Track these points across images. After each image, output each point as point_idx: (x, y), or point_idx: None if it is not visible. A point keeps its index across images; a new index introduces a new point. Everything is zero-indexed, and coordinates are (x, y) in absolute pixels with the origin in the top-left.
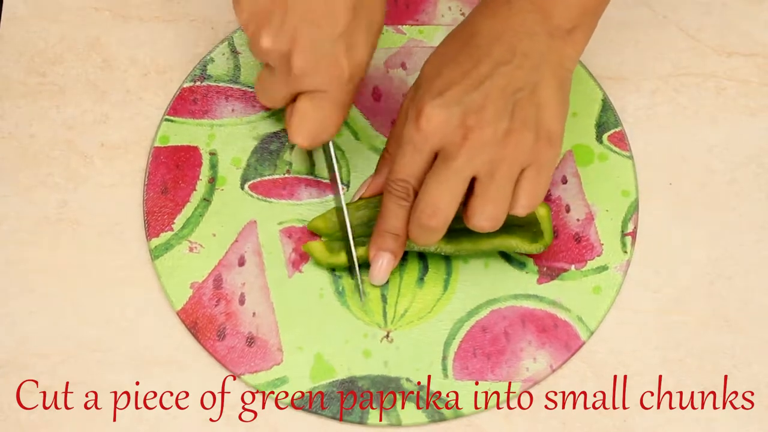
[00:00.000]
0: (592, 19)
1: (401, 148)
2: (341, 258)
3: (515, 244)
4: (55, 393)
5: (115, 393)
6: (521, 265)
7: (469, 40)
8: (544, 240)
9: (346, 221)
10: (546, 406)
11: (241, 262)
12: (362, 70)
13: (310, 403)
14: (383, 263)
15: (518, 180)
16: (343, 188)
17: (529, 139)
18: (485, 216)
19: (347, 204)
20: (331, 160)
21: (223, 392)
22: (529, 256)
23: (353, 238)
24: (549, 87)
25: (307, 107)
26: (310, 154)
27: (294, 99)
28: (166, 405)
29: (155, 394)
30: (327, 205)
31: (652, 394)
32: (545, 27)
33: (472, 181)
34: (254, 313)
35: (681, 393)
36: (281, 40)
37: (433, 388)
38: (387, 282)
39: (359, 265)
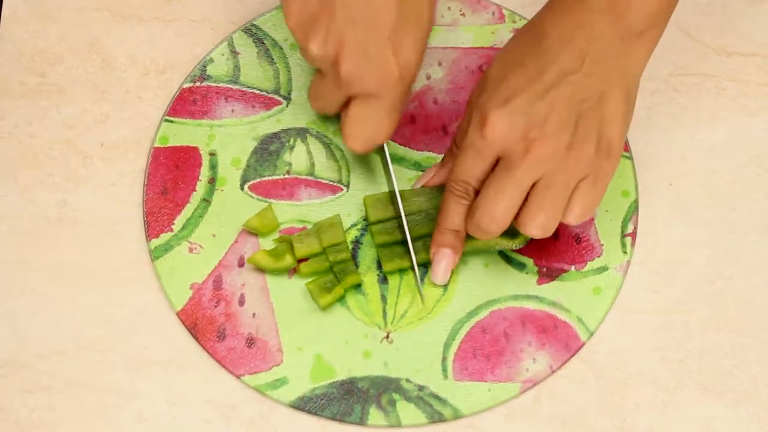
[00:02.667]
0: (663, 21)
1: (464, 151)
2: (287, 261)
3: (494, 241)
4: (56, 393)
5: (115, 393)
6: (521, 266)
7: (537, 42)
8: (523, 235)
9: (405, 226)
10: (546, 407)
11: (241, 263)
12: (412, 70)
13: (309, 404)
14: (445, 260)
15: (574, 190)
16: (342, 188)
17: (590, 152)
18: (537, 224)
19: (404, 191)
20: (387, 164)
21: (222, 393)
22: (528, 255)
23: (407, 225)
24: (615, 98)
25: (360, 111)
26: (310, 154)
27: (347, 104)
28: (165, 405)
29: (155, 394)
30: (326, 206)
31: (652, 394)
32: (617, 29)
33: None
34: (254, 314)
35: (681, 393)
36: (329, 45)
37: (433, 389)
38: (387, 282)
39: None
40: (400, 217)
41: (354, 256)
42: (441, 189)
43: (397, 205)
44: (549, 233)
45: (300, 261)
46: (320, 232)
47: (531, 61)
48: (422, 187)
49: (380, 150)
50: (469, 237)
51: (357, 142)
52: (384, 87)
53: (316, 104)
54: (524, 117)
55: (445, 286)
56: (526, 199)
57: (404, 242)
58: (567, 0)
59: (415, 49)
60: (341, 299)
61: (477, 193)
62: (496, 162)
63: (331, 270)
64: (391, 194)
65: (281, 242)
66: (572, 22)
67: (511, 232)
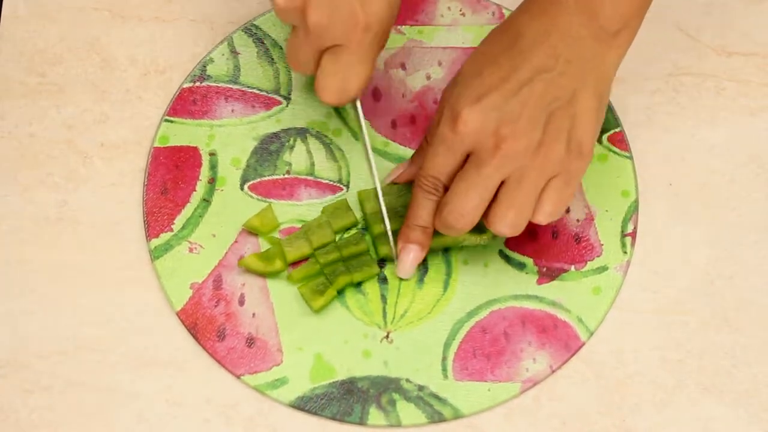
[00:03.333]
0: (637, 21)
1: (434, 146)
2: (277, 265)
3: (462, 237)
4: (56, 393)
5: (115, 393)
6: (521, 266)
7: (512, 42)
8: (490, 231)
9: (381, 201)
10: (546, 407)
11: None
12: (380, 20)
13: (309, 403)
14: (411, 256)
15: (544, 188)
16: (342, 188)
17: (560, 151)
18: (507, 222)
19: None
20: (359, 120)
21: (222, 393)
22: (528, 255)
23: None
24: (587, 98)
25: (330, 63)
26: (309, 153)
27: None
28: (165, 405)
29: (155, 394)
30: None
31: (652, 394)
32: (591, 29)
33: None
34: (254, 314)
35: (681, 393)
36: None
37: (433, 389)
38: (387, 282)
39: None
40: (396, 207)
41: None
42: (409, 186)
43: (371, 165)
44: (518, 231)
45: (295, 263)
46: (309, 233)
47: (505, 60)
48: (391, 183)
49: (353, 107)
50: (436, 233)
51: (329, 94)
52: (351, 36)
53: (293, 63)
54: (496, 113)
55: (445, 286)
56: (495, 199)
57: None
58: (542, 0)
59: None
60: (340, 299)
61: (446, 189)
62: (466, 159)
63: (322, 273)
64: (366, 158)
65: (272, 245)
66: (547, 22)
67: (479, 228)
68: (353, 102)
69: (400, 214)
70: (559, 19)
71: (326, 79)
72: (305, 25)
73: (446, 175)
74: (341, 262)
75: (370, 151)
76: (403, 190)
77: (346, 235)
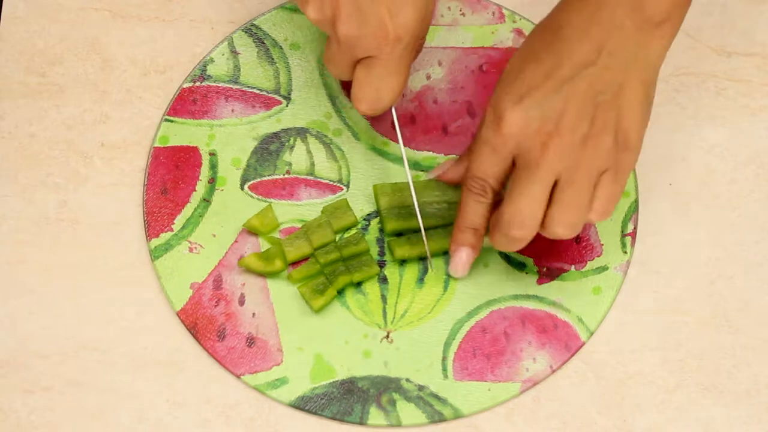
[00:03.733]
0: (682, 11)
1: (478, 148)
2: (277, 265)
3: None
4: (56, 393)
5: (115, 393)
6: (521, 266)
7: (553, 36)
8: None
9: (411, 188)
10: (546, 407)
11: None
12: (410, 30)
13: (310, 403)
14: (464, 257)
15: (596, 185)
16: (342, 188)
17: (608, 144)
18: (564, 223)
19: (416, 182)
20: (396, 128)
21: (222, 393)
22: (528, 255)
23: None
24: (632, 90)
25: (363, 74)
26: (310, 153)
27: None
28: (165, 405)
29: (155, 394)
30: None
31: (652, 395)
32: (635, 20)
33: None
34: (254, 314)
35: (681, 393)
36: (325, 8)
37: (433, 389)
38: (387, 282)
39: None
40: (413, 204)
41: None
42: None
43: (407, 173)
44: (575, 233)
45: (295, 263)
46: (309, 233)
47: (547, 56)
48: (435, 179)
49: (390, 114)
50: (410, 245)
51: (363, 104)
52: (382, 48)
53: (331, 70)
54: (539, 112)
55: (446, 286)
56: (549, 200)
57: (418, 230)
58: None
59: (414, 8)
60: (340, 299)
61: (494, 192)
62: (514, 162)
63: (322, 272)
64: (404, 180)
65: (272, 245)
66: (589, 14)
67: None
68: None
69: (442, 210)
70: (601, 10)
71: (361, 90)
72: (336, 36)
73: (493, 177)
74: (341, 261)
75: (405, 159)
76: (447, 186)
77: (346, 235)
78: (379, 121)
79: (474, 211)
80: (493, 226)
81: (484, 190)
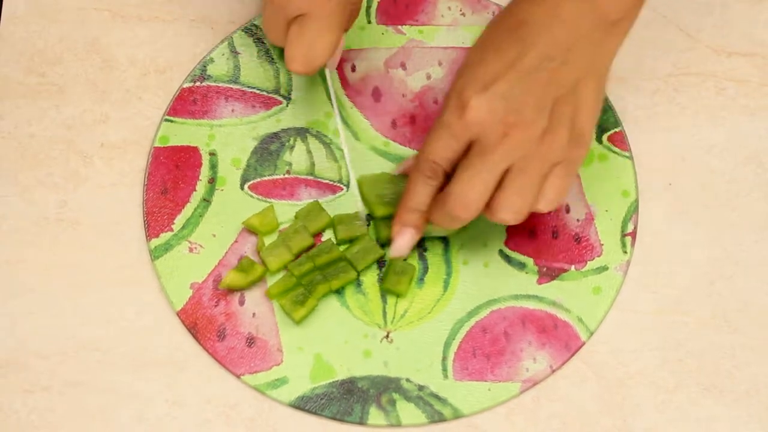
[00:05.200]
0: (636, 10)
1: (436, 131)
2: (257, 271)
3: (429, 228)
4: (56, 393)
5: (115, 393)
6: (521, 266)
7: (515, 28)
8: None
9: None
10: (546, 407)
11: None
12: None
13: (310, 403)
14: (407, 237)
15: (546, 176)
16: (342, 188)
17: (564, 138)
18: (511, 208)
19: (381, 174)
20: (328, 88)
21: (222, 393)
22: (528, 255)
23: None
24: (588, 86)
25: (294, 32)
26: (310, 153)
27: None
28: (165, 405)
29: (155, 394)
30: (327, 206)
31: (652, 395)
32: (592, 18)
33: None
34: (254, 314)
35: (681, 393)
36: None
37: (433, 389)
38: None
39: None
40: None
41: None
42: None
43: (336, 119)
44: (521, 219)
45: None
46: (287, 240)
47: (508, 46)
48: (399, 175)
49: (322, 75)
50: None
51: (296, 63)
52: (315, 5)
53: (269, 36)
54: (503, 101)
55: (446, 286)
56: (498, 187)
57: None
58: None
59: None
60: (340, 299)
61: (445, 176)
62: (467, 147)
63: (299, 284)
64: (337, 117)
65: (244, 259)
66: (549, 10)
67: None
68: (322, 71)
69: (395, 203)
70: (560, 7)
71: (292, 48)
72: None
73: (446, 161)
74: (317, 271)
75: (339, 119)
76: (404, 181)
77: (317, 247)
78: (379, 122)
79: (422, 192)
80: (436, 202)
81: (435, 173)
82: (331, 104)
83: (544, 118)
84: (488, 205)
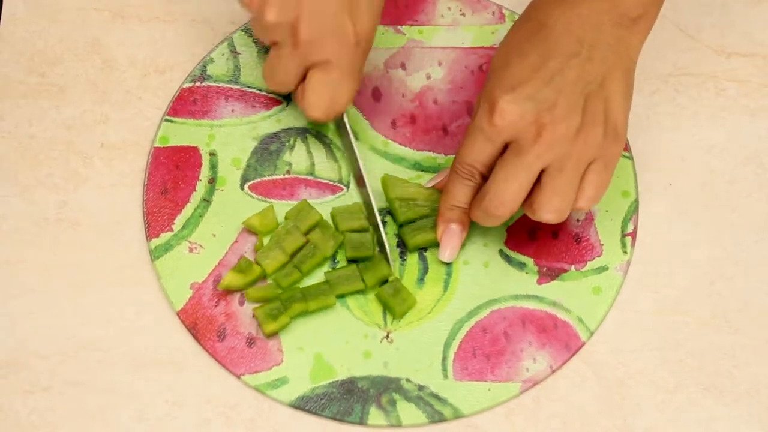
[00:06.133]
0: (656, 8)
1: (471, 134)
2: (255, 270)
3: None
4: (56, 393)
5: (115, 393)
6: (521, 266)
7: (536, 32)
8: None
9: (366, 184)
10: (546, 407)
11: None
12: (369, 35)
13: (310, 403)
14: (454, 237)
15: (584, 173)
16: (343, 188)
17: (599, 134)
18: (551, 208)
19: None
20: (347, 132)
21: (222, 393)
22: (528, 255)
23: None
24: (616, 79)
25: (318, 79)
26: (310, 153)
27: (304, 78)
28: (165, 405)
29: (155, 394)
30: (326, 206)
31: (652, 394)
32: (612, 16)
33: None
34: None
35: (681, 393)
36: (286, 12)
37: (433, 389)
38: (386, 282)
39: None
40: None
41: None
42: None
43: (360, 172)
44: (562, 218)
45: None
46: (280, 241)
47: (531, 50)
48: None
49: (340, 121)
50: (425, 231)
51: (318, 110)
52: (342, 53)
53: (272, 82)
54: (533, 102)
55: (446, 286)
56: (537, 186)
57: (424, 217)
58: None
59: (371, 14)
60: (340, 299)
61: (482, 177)
62: (504, 147)
63: (278, 298)
64: (353, 165)
65: (242, 259)
66: (568, 10)
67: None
68: (339, 118)
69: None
70: (580, 7)
71: (314, 95)
72: (294, 41)
73: (482, 163)
74: (299, 288)
75: (361, 164)
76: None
77: (299, 254)
78: (379, 122)
79: (461, 191)
80: (474, 200)
81: (472, 175)
82: (348, 142)
83: (577, 116)
84: (529, 205)
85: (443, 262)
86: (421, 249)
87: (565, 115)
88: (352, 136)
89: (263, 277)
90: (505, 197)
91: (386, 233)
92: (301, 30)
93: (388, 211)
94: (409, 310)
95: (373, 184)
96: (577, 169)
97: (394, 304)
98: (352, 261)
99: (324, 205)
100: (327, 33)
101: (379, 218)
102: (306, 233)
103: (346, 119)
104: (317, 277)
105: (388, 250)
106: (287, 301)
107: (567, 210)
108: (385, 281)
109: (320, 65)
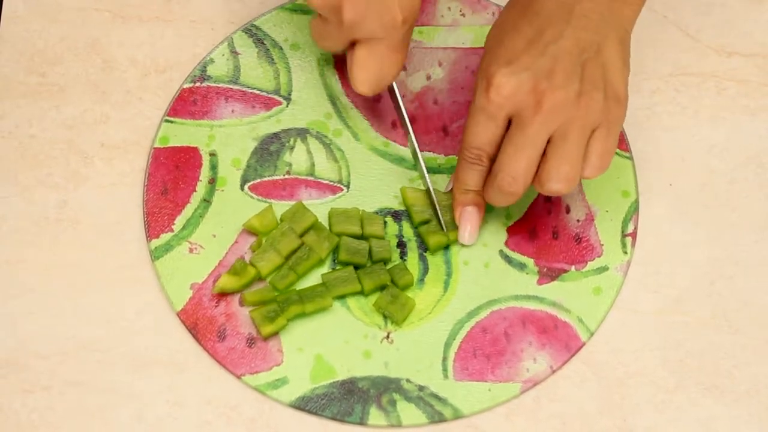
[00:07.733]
0: None
1: (473, 117)
2: (250, 272)
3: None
4: (56, 393)
5: (115, 393)
6: (521, 266)
7: (528, 6)
8: (455, 232)
9: (420, 161)
10: (546, 407)
11: None
12: (414, 10)
13: (310, 403)
14: (472, 219)
15: (589, 141)
16: (343, 189)
17: (599, 100)
18: (560, 177)
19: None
20: (398, 101)
21: (223, 393)
22: (528, 255)
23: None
24: (612, 47)
25: (365, 55)
26: (310, 154)
27: (352, 45)
28: (166, 406)
29: (155, 394)
30: (326, 206)
31: (652, 394)
32: None
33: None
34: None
35: (681, 393)
36: None
37: (433, 389)
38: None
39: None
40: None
41: None
42: None
43: (411, 135)
44: (572, 188)
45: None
46: (275, 243)
47: (525, 24)
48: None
49: (390, 91)
50: (432, 232)
51: (366, 85)
52: (388, 30)
53: (321, 45)
54: (529, 72)
55: (446, 286)
56: (543, 158)
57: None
58: None
59: None
60: (340, 299)
61: (490, 159)
62: (508, 126)
63: (274, 300)
64: (404, 129)
65: (237, 260)
66: None
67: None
68: (390, 87)
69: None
70: None
71: (362, 71)
72: (339, 20)
73: (489, 144)
74: (295, 290)
75: (411, 131)
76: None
77: (294, 256)
78: (379, 122)
79: (471, 177)
80: (487, 181)
81: (480, 159)
82: (403, 113)
83: (576, 82)
84: (537, 178)
85: (443, 263)
86: (438, 249)
87: (564, 81)
88: (401, 101)
89: (258, 279)
90: (517, 172)
91: (403, 228)
92: (346, 12)
93: (405, 213)
94: (409, 314)
95: (377, 186)
96: (582, 134)
97: (394, 311)
98: (345, 264)
99: (324, 206)
100: (371, 14)
101: (429, 180)
102: (301, 235)
103: (395, 85)
104: (315, 279)
105: (439, 213)
106: (284, 303)
107: (576, 178)
108: (383, 287)
109: (366, 42)
